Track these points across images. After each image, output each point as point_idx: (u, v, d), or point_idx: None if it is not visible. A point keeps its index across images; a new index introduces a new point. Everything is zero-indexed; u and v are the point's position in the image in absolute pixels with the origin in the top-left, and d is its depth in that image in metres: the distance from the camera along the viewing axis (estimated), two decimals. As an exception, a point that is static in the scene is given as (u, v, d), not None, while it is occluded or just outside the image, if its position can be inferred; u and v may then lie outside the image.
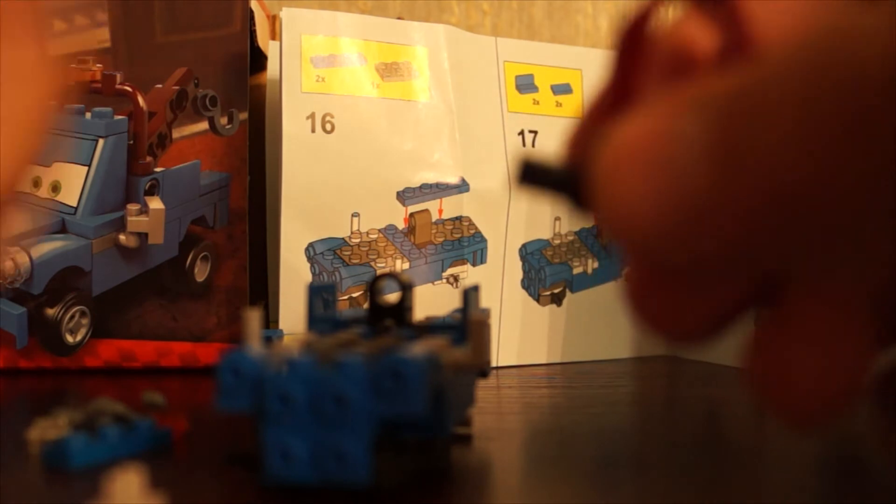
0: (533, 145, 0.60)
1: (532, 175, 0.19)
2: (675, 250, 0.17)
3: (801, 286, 0.19)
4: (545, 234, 0.60)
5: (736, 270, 0.18)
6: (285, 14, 0.56)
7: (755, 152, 0.16)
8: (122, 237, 0.55)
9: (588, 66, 0.63)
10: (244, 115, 0.56)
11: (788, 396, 0.19)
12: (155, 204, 0.55)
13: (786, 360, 0.19)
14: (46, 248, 0.54)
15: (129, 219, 0.55)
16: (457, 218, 0.57)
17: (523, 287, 0.60)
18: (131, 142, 0.55)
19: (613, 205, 0.17)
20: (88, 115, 0.55)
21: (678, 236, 0.17)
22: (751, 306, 0.20)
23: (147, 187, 0.55)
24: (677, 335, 0.20)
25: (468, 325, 0.33)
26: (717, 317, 0.19)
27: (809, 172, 0.16)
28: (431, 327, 0.35)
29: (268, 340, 0.32)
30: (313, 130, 0.55)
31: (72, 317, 0.55)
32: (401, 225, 0.56)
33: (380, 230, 0.56)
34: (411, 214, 0.57)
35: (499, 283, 0.59)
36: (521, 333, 0.60)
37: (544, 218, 0.60)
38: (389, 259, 0.56)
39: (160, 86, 0.56)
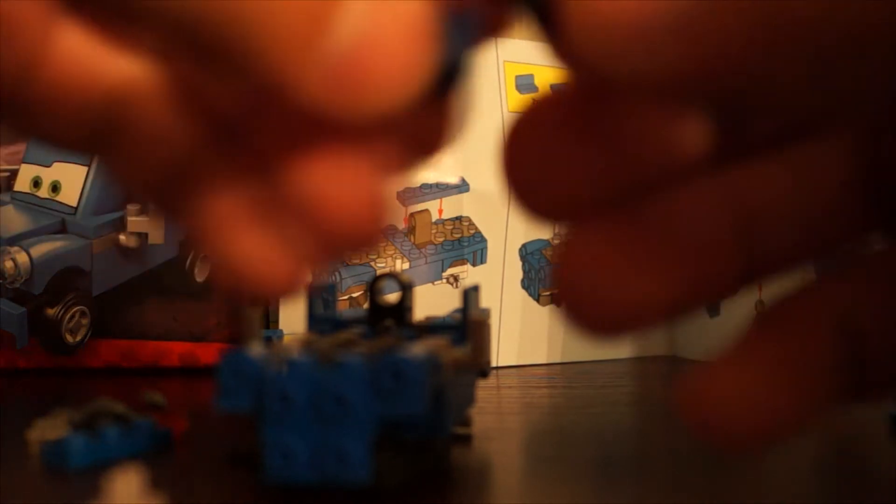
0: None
1: None
2: (641, 60, 0.15)
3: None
4: (545, 234, 0.60)
5: (685, 102, 0.17)
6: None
7: None
8: (122, 237, 0.55)
9: (588, 66, 0.63)
10: (244, 115, 0.56)
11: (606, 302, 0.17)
12: (155, 204, 0.55)
13: (608, 264, 0.17)
14: (46, 248, 0.54)
15: (129, 219, 0.55)
16: (457, 218, 0.57)
17: (523, 287, 0.60)
18: (131, 142, 0.55)
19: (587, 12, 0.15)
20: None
21: (649, 44, 0.15)
22: (620, 193, 0.18)
23: (147, 187, 0.55)
24: (548, 204, 0.18)
25: (468, 325, 0.33)
26: (577, 193, 0.18)
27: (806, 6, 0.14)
28: (431, 327, 0.35)
29: (268, 340, 0.32)
30: (313, 130, 0.55)
31: (72, 317, 0.55)
32: (401, 225, 0.56)
33: (380, 230, 0.56)
34: (411, 214, 0.57)
35: (499, 283, 0.59)
36: (521, 333, 0.60)
37: (544, 218, 0.60)
38: (389, 259, 0.56)
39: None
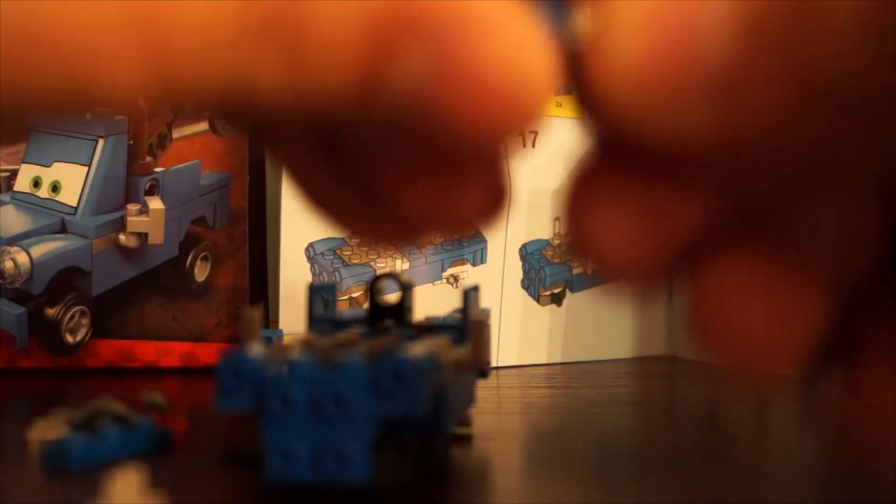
0: (533, 146, 0.60)
1: None
2: (674, 123, 0.15)
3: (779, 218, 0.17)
4: (545, 234, 0.60)
5: (729, 167, 0.16)
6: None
7: (791, 33, 0.14)
8: (122, 237, 0.55)
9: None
10: (244, 115, 0.56)
11: (745, 344, 0.17)
12: (155, 204, 0.55)
13: (748, 308, 0.17)
14: (46, 248, 0.54)
15: (129, 219, 0.55)
16: (457, 218, 0.57)
17: (523, 287, 0.60)
18: (131, 142, 0.55)
19: (616, 59, 0.15)
20: (88, 115, 0.55)
21: (682, 106, 0.15)
22: (707, 241, 0.17)
23: (147, 187, 0.55)
24: (621, 260, 0.17)
25: (468, 325, 0.33)
26: (671, 245, 0.17)
27: (859, 67, 0.14)
28: (431, 327, 0.35)
29: (268, 340, 0.32)
30: (313, 130, 0.55)
31: (72, 317, 0.55)
32: (401, 225, 0.56)
33: (380, 230, 0.56)
34: (411, 214, 0.57)
35: (499, 283, 0.59)
36: (521, 333, 0.60)
37: (544, 218, 0.60)
38: (389, 259, 0.56)
39: (160, 86, 0.56)
